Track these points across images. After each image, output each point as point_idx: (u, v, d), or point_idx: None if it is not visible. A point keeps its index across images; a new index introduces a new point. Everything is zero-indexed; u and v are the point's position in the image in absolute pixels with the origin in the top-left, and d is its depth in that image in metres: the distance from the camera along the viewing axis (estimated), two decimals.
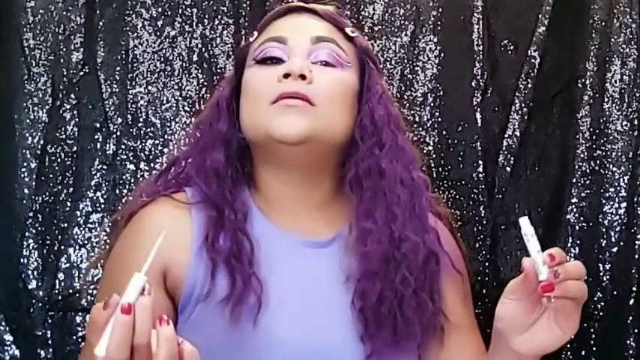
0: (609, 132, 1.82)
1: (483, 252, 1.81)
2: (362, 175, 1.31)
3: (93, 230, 1.80)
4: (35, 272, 1.79)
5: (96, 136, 1.81)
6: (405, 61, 1.83)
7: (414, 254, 1.28)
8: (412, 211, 1.31)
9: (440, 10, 1.82)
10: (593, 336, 1.81)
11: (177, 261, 1.24)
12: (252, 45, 1.36)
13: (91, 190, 1.80)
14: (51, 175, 1.80)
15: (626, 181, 1.82)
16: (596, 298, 1.81)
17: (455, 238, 1.42)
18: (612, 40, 1.82)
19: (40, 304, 1.79)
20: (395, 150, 1.33)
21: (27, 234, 1.79)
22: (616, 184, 1.82)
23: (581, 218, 1.82)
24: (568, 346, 1.82)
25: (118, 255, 1.28)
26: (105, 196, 1.80)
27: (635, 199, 1.81)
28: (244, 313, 1.21)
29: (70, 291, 1.79)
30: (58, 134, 1.81)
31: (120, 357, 0.96)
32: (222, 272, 1.23)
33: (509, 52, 1.83)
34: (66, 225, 1.80)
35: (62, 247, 1.79)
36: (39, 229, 1.80)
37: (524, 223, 1.12)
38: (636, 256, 1.79)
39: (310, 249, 1.29)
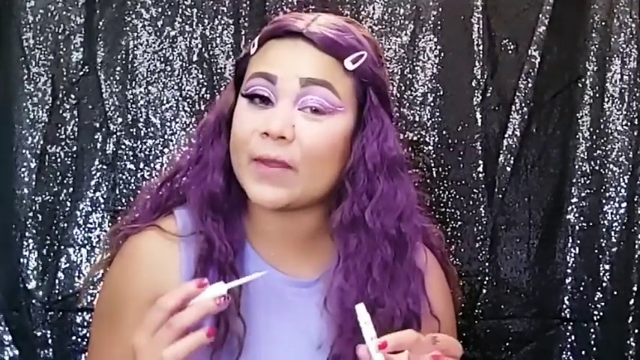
0: (609, 132, 1.82)
1: (483, 252, 1.81)
2: (345, 227, 1.25)
3: (93, 230, 1.80)
4: (35, 272, 1.79)
5: (96, 136, 1.81)
6: (405, 61, 1.83)
7: (390, 320, 1.23)
8: (394, 272, 1.25)
9: (440, 10, 1.82)
10: (593, 336, 1.81)
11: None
12: (250, 61, 1.27)
13: (91, 190, 1.80)
14: (51, 175, 1.80)
15: (626, 181, 1.82)
16: (596, 298, 1.81)
17: (444, 269, 1.39)
18: (612, 39, 1.82)
19: (40, 304, 1.79)
20: (386, 198, 1.25)
21: (27, 234, 1.79)
22: (616, 184, 1.82)
23: (581, 218, 1.82)
24: (568, 346, 1.82)
25: (107, 294, 1.27)
26: (105, 196, 1.80)
27: (635, 199, 1.81)
28: (224, 356, 1.21)
29: (70, 291, 1.79)
30: (57, 134, 1.80)
31: (167, 305, 1.08)
32: None
33: (509, 51, 1.83)
34: (66, 225, 1.80)
35: (62, 247, 1.79)
36: (39, 229, 1.80)
37: (360, 309, 1.10)
38: (636, 256, 1.80)
39: (295, 288, 1.27)
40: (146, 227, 1.28)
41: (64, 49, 1.80)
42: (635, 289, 1.79)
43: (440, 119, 1.83)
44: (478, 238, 1.82)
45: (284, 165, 1.19)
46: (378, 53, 1.29)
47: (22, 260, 1.79)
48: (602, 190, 1.82)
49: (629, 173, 1.81)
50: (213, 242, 1.23)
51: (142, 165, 1.81)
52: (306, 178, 1.20)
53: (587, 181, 1.83)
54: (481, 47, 1.82)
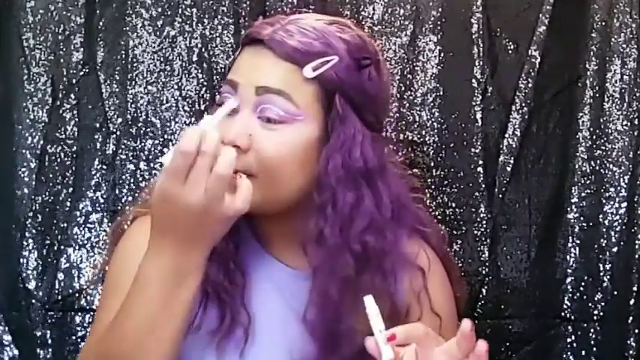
0: (609, 132, 1.82)
1: (483, 252, 1.81)
2: (311, 241, 1.22)
3: (92, 230, 1.80)
4: (35, 272, 1.79)
5: (96, 136, 1.81)
6: (405, 61, 1.83)
7: (352, 337, 1.20)
8: (358, 288, 1.20)
9: (440, 10, 1.82)
10: (593, 336, 1.81)
11: None
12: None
13: (91, 190, 1.81)
14: (51, 175, 1.80)
15: (626, 181, 1.82)
16: (596, 298, 1.81)
17: (446, 266, 1.38)
18: (612, 39, 1.82)
19: (40, 304, 1.79)
20: (349, 211, 1.21)
21: (27, 234, 1.80)
22: (616, 184, 1.82)
23: (581, 218, 1.82)
24: (568, 346, 1.82)
25: (122, 263, 1.27)
26: (105, 196, 1.81)
27: (636, 199, 1.81)
28: (231, 346, 1.21)
29: (70, 291, 1.79)
30: (58, 134, 1.81)
31: (188, 147, 1.06)
32: (213, 303, 1.23)
33: (509, 51, 1.83)
34: (66, 225, 1.80)
35: (62, 247, 1.80)
36: (39, 229, 1.80)
37: (369, 301, 1.09)
38: (636, 256, 1.79)
39: (295, 279, 1.27)
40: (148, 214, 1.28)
41: (64, 49, 1.81)
42: (635, 289, 1.79)
43: (440, 119, 1.83)
44: (478, 238, 1.82)
45: (243, 173, 1.17)
46: (358, 56, 1.23)
47: (22, 260, 1.79)
48: (602, 190, 1.82)
49: (629, 173, 1.81)
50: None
51: (142, 165, 1.81)
52: (265, 186, 1.18)
53: (587, 181, 1.83)
54: (481, 47, 1.82)
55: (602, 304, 1.81)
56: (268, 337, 1.24)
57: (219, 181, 1.08)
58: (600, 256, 1.81)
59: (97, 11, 1.81)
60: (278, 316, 1.25)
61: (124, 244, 1.29)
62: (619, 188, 1.82)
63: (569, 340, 1.82)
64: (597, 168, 1.82)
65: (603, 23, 1.82)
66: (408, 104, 1.83)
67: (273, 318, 1.25)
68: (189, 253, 1.11)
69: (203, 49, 1.81)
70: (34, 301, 1.79)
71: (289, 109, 1.19)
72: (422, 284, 1.31)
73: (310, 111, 1.20)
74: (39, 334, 1.79)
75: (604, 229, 1.82)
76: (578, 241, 1.82)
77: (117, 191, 1.80)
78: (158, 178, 1.10)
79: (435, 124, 1.83)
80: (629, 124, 1.82)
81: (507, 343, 1.81)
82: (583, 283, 1.82)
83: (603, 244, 1.82)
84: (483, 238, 1.82)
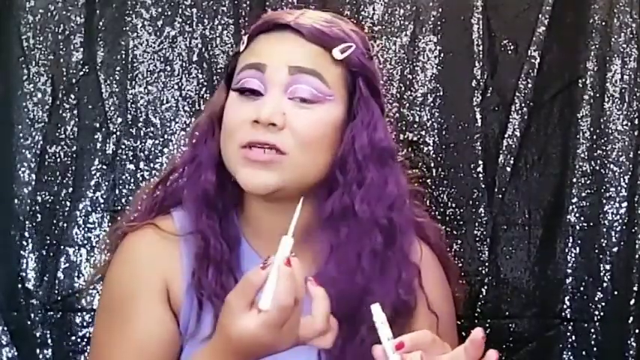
0: (609, 132, 1.82)
1: (483, 252, 1.81)
2: (336, 217, 1.25)
3: (92, 230, 1.80)
4: (34, 272, 1.79)
5: (96, 136, 1.81)
6: (405, 61, 1.83)
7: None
8: (384, 260, 1.25)
9: (440, 10, 1.82)
10: (593, 336, 1.81)
11: (173, 289, 1.25)
12: (240, 58, 1.29)
13: (91, 190, 1.80)
14: (51, 175, 1.80)
15: (626, 181, 1.81)
16: (596, 298, 1.81)
17: (444, 264, 1.39)
18: (612, 39, 1.82)
19: (40, 304, 1.79)
20: (376, 188, 1.25)
21: (26, 234, 1.79)
22: (616, 184, 1.82)
23: (581, 218, 1.82)
24: (568, 346, 1.82)
25: (114, 291, 1.27)
26: (104, 196, 1.80)
27: (636, 199, 1.81)
28: None
29: (70, 291, 1.79)
30: (57, 134, 1.81)
31: (289, 302, 1.05)
32: (208, 310, 1.23)
33: (509, 52, 1.83)
34: (65, 225, 1.80)
35: (62, 247, 1.80)
36: (38, 229, 1.80)
37: (376, 309, 1.09)
38: (636, 256, 1.79)
39: None
40: (143, 225, 1.28)
41: (64, 49, 1.81)
42: (635, 289, 1.79)
43: (440, 119, 1.83)
44: (478, 238, 1.82)
45: (275, 149, 1.20)
46: (366, 47, 1.31)
47: (21, 260, 1.79)
48: (602, 190, 1.82)
49: (629, 173, 1.81)
50: (209, 241, 1.24)
51: (142, 165, 1.81)
52: (296, 164, 1.21)
53: (587, 181, 1.83)
54: (481, 47, 1.82)
55: (602, 304, 1.81)
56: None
57: (314, 334, 1.11)
58: (600, 256, 1.81)
59: (97, 11, 1.81)
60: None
61: (121, 267, 1.27)
62: (619, 188, 1.82)
63: (569, 340, 1.82)
64: (597, 168, 1.82)
65: (603, 23, 1.82)
66: (408, 104, 1.83)
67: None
68: None
69: (203, 49, 1.81)
70: (33, 301, 1.79)
71: (322, 88, 1.23)
72: (418, 281, 1.31)
73: (338, 92, 1.25)
74: (39, 334, 1.79)
75: (604, 229, 1.82)
76: (578, 241, 1.82)
77: (117, 191, 1.80)
78: (253, 320, 1.07)
79: (435, 124, 1.83)
80: (629, 124, 1.82)
81: (507, 343, 1.81)
82: (583, 283, 1.82)
83: (603, 244, 1.81)
84: (483, 238, 1.82)
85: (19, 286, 1.79)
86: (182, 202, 1.29)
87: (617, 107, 1.82)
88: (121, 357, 1.21)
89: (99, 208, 1.80)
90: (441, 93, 1.83)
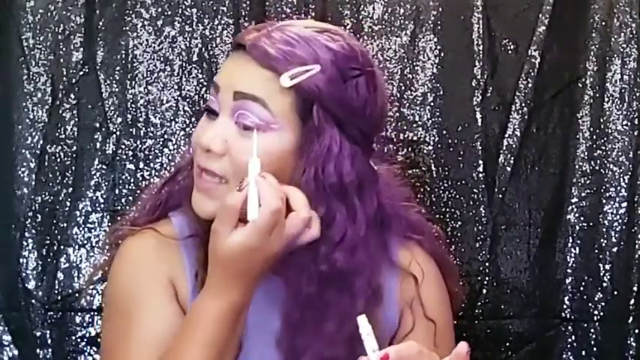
0: (609, 132, 1.82)
1: (483, 252, 1.81)
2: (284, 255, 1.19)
3: (92, 230, 1.80)
4: (34, 272, 1.79)
5: (96, 136, 1.81)
6: (405, 61, 1.83)
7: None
8: (318, 310, 1.20)
9: (440, 10, 1.82)
10: (593, 336, 1.81)
11: (180, 290, 1.25)
12: None
13: (91, 190, 1.80)
14: (50, 175, 1.80)
15: (626, 181, 1.82)
16: (596, 298, 1.81)
17: (440, 266, 1.35)
18: (612, 39, 1.82)
19: (40, 304, 1.79)
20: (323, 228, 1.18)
21: (26, 234, 1.79)
22: (616, 184, 1.82)
23: (581, 218, 1.82)
24: (568, 346, 1.82)
25: (119, 290, 1.26)
26: (104, 196, 1.80)
27: (636, 199, 1.81)
28: None
29: (70, 291, 1.79)
30: (57, 134, 1.81)
31: (278, 204, 1.11)
32: None
33: (509, 51, 1.83)
34: (65, 225, 1.80)
35: (62, 247, 1.80)
36: (38, 228, 1.80)
37: (362, 320, 1.07)
38: (636, 256, 1.80)
39: (283, 287, 1.24)
40: (143, 229, 1.28)
41: (64, 49, 1.80)
42: (635, 289, 1.79)
43: (440, 119, 1.83)
44: (478, 238, 1.82)
45: (215, 176, 1.19)
46: (348, 66, 1.19)
47: (21, 260, 1.79)
48: (602, 190, 1.82)
49: (629, 173, 1.81)
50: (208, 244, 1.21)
51: (142, 165, 1.81)
52: None
53: (587, 181, 1.83)
54: (481, 47, 1.82)
55: (602, 304, 1.81)
56: (263, 348, 1.23)
57: (302, 224, 1.14)
58: (600, 256, 1.81)
59: (97, 11, 1.81)
60: (272, 327, 1.23)
61: (125, 269, 1.27)
62: (619, 188, 1.82)
63: (569, 340, 1.82)
64: (597, 168, 1.82)
65: (603, 23, 1.82)
66: (408, 104, 1.83)
67: (267, 329, 1.23)
68: (252, 289, 1.16)
69: (203, 49, 1.81)
70: (33, 301, 1.79)
71: (265, 116, 1.17)
72: (414, 294, 1.29)
73: (286, 120, 1.18)
74: (39, 334, 1.79)
75: (604, 229, 1.82)
76: (578, 241, 1.82)
77: (117, 191, 1.80)
78: (240, 233, 1.12)
79: (435, 124, 1.83)
80: (629, 124, 1.82)
81: (507, 343, 1.81)
82: (583, 283, 1.82)
83: (603, 244, 1.82)
84: (483, 238, 1.82)
85: (19, 286, 1.79)
86: (182, 204, 1.29)
87: (617, 107, 1.82)
88: (138, 357, 1.20)
89: (99, 208, 1.80)
90: (441, 93, 1.83)
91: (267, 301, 1.24)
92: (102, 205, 1.80)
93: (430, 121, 1.83)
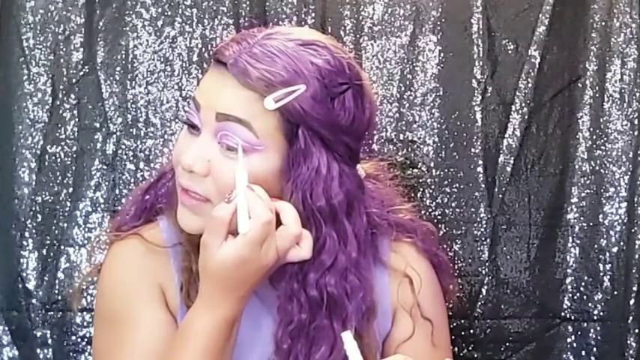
0: (609, 132, 1.82)
1: (483, 252, 1.81)
2: (272, 278, 1.19)
3: (92, 230, 1.80)
4: (34, 272, 1.79)
5: (96, 136, 1.81)
6: (405, 61, 1.83)
7: None
8: (309, 336, 1.19)
9: (440, 10, 1.82)
10: (593, 336, 1.81)
11: (169, 296, 1.24)
12: None
13: (91, 190, 1.81)
14: (51, 175, 1.80)
15: (626, 181, 1.82)
16: (596, 298, 1.81)
17: (432, 263, 1.33)
18: (612, 40, 1.82)
19: (40, 304, 1.79)
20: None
21: (26, 234, 1.79)
22: (616, 184, 1.82)
23: (581, 218, 1.82)
24: (568, 346, 1.82)
25: (111, 296, 1.25)
26: (105, 196, 1.81)
27: (636, 199, 1.81)
28: None
29: (70, 291, 1.79)
30: (58, 134, 1.81)
31: (269, 215, 1.10)
32: None
33: (509, 51, 1.83)
34: (65, 225, 1.80)
35: (62, 247, 1.80)
36: (39, 229, 1.80)
37: (346, 337, 1.05)
38: (636, 256, 1.79)
39: (273, 299, 1.24)
40: (129, 235, 1.26)
41: (64, 49, 1.81)
42: (635, 289, 1.79)
43: (440, 119, 1.83)
44: (478, 238, 1.82)
45: (199, 197, 1.17)
46: (335, 82, 1.15)
47: (21, 260, 1.79)
48: (602, 190, 1.82)
49: (629, 173, 1.81)
50: (196, 254, 1.19)
51: (142, 165, 1.81)
52: None
53: (587, 181, 1.83)
54: (481, 47, 1.82)
55: (602, 304, 1.81)
56: (238, 353, 1.21)
57: (292, 238, 1.13)
58: (600, 256, 1.81)
59: (97, 11, 1.81)
60: (269, 337, 1.22)
61: (113, 275, 1.25)
62: (619, 188, 1.82)
63: (569, 340, 1.82)
64: (597, 168, 1.82)
65: (603, 23, 1.82)
66: (408, 104, 1.83)
67: (264, 339, 1.23)
68: (245, 302, 1.15)
69: (203, 49, 1.81)
70: (34, 301, 1.79)
71: (249, 138, 1.13)
72: (409, 297, 1.28)
73: (271, 141, 1.14)
74: (39, 334, 1.79)
75: (604, 229, 1.82)
76: (578, 241, 1.83)
77: (117, 191, 1.80)
78: (230, 245, 1.10)
79: (435, 124, 1.83)
80: (629, 124, 1.82)
81: (507, 343, 1.81)
82: (583, 283, 1.82)
83: (603, 244, 1.82)
84: (483, 238, 1.82)
85: (19, 286, 1.79)
86: (168, 208, 1.27)
87: (617, 107, 1.82)
88: None
89: (99, 208, 1.80)
90: (441, 93, 1.83)
91: (261, 309, 1.24)
92: (102, 206, 1.80)
93: (430, 121, 1.83)
